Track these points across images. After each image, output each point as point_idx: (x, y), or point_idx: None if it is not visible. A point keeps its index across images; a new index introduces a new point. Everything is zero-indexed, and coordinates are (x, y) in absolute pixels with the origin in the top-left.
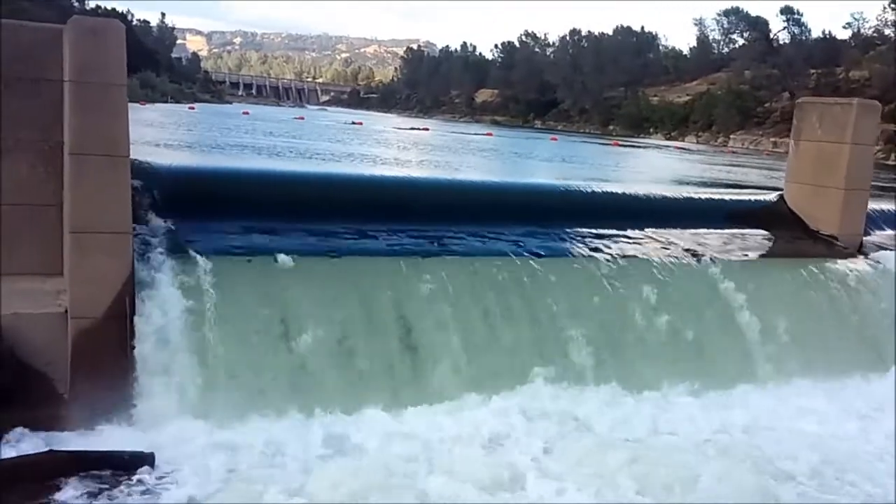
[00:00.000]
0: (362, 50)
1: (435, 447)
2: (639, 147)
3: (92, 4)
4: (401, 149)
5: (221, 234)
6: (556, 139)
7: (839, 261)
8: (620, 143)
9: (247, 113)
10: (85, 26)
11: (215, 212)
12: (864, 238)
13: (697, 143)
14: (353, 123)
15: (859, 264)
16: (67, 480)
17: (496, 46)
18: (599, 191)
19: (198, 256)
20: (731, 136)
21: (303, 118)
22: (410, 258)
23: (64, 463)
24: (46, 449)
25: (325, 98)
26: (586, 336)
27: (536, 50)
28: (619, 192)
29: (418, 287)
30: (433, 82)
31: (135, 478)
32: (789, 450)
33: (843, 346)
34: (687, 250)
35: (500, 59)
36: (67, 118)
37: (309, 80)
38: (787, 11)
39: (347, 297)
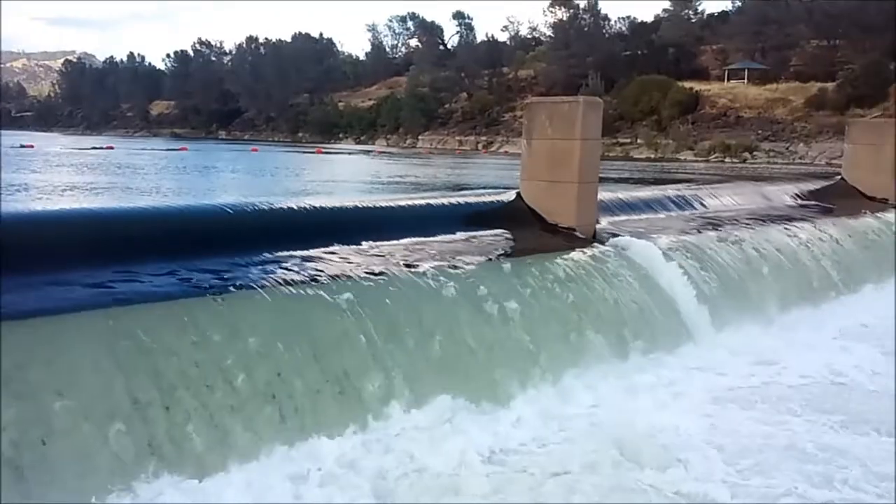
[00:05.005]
0: (9, 65)
1: None
2: (343, 154)
3: None
4: (105, 173)
5: None
6: (257, 150)
7: (580, 250)
8: (323, 150)
9: None
10: None
11: None
12: (596, 226)
13: (388, 145)
14: (24, 147)
15: (598, 251)
16: None
17: (168, 56)
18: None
19: None
20: (420, 137)
21: None
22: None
23: None
24: None
25: None
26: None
27: (213, 59)
28: (360, 205)
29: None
30: (99, 96)
31: None
32: None
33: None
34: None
35: (173, 69)
36: None
37: None
38: (459, 16)
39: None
